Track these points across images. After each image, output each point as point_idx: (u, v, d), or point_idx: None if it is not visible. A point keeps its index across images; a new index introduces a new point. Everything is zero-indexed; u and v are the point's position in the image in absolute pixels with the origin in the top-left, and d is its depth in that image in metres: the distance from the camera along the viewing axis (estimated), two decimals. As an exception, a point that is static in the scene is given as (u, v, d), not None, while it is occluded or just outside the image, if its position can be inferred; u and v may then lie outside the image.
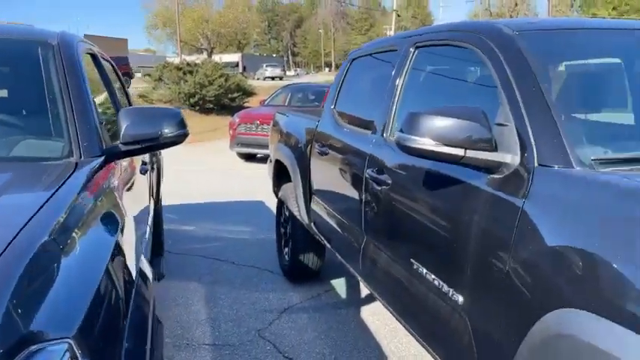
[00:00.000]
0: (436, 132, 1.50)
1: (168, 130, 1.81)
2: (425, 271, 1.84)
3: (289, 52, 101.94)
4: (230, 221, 5.82)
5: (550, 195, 1.34)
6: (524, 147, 1.45)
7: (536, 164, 1.40)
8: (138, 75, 29.55)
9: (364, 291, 3.84)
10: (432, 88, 2.29)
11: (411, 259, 1.94)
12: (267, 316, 3.39)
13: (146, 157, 2.98)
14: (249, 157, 11.39)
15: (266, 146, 5.09)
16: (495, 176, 1.51)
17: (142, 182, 2.60)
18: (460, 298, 1.61)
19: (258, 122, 10.17)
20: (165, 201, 4.81)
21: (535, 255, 1.28)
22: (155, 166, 3.72)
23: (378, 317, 3.38)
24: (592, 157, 1.37)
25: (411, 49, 2.32)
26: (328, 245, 3.20)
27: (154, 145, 1.83)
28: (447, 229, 1.73)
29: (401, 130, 1.60)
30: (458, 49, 1.96)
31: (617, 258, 1.07)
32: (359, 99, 2.94)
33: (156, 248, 3.62)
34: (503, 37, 1.73)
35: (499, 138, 1.54)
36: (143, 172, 2.69)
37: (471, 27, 1.95)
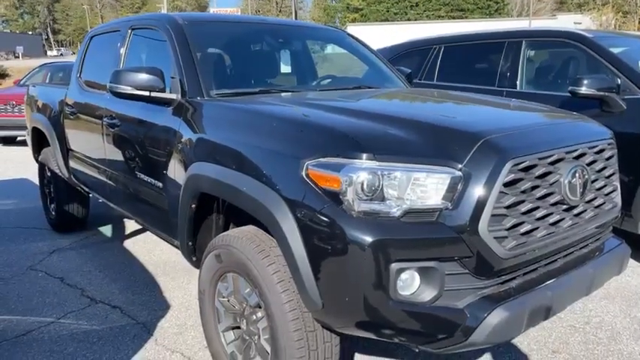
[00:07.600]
0: (132, 81, 2.50)
1: None
2: (143, 176, 2.84)
3: (49, 29, 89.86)
4: (-10, 197, 5.89)
5: (192, 112, 2.46)
6: (182, 89, 2.55)
7: (188, 98, 2.51)
8: None
9: (128, 230, 4.67)
10: (142, 56, 3.27)
11: (136, 172, 2.92)
12: (37, 257, 3.97)
13: None
14: (8, 141, 10.68)
15: (25, 127, 5.30)
16: (170, 107, 2.58)
17: None
18: (160, 184, 2.66)
19: (14, 103, 9.66)
20: None
21: (186, 143, 2.39)
22: None
23: (139, 244, 4.28)
24: (215, 93, 2.54)
25: (129, 30, 3.25)
26: (87, 189, 3.94)
27: None
28: (152, 144, 2.75)
29: (111, 82, 2.55)
30: (154, 31, 2.97)
31: (218, 139, 2.22)
32: (97, 67, 3.72)
33: None
34: (176, 25, 2.80)
35: (173, 85, 2.61)
36: None
37: (158, 17, 2.98)
